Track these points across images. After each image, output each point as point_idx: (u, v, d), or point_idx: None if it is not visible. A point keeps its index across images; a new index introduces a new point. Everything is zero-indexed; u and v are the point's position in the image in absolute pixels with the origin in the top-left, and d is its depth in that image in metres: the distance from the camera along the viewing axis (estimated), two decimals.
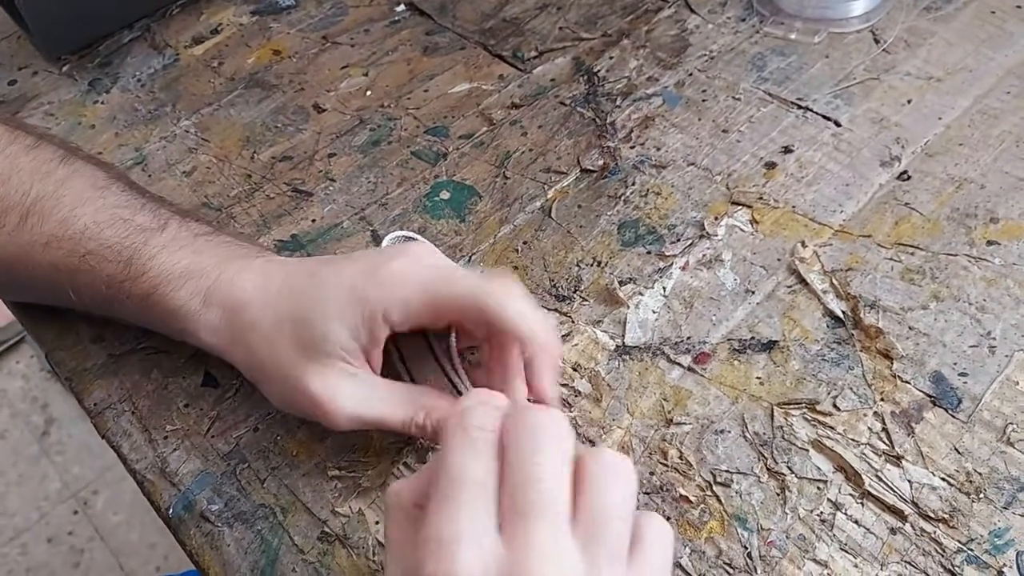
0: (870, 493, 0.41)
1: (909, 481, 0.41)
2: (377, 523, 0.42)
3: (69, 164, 0.47)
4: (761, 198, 0.54)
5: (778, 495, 0.41)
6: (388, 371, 0.44)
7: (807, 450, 0.43)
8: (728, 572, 0.39)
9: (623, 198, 0.55)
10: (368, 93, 0.63)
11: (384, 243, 0.51)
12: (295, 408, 0.43)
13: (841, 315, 0.48)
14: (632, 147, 0.58)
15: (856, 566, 0.39)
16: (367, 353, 0.42)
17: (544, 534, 0.29)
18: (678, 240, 0.52)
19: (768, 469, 0.42)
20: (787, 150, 0.56)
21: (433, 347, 0.45)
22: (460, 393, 0.43)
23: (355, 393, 0.41)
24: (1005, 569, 0.38)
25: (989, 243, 0.50)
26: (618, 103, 0.61)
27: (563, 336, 0.49)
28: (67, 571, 1.51)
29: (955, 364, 0.45)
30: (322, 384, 0.41)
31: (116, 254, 0.44)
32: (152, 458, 0.46)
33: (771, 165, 0.56)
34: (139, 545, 1.53)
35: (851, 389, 0.45)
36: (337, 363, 0.41)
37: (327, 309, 0.41)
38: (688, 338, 0.48)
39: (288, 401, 0.43)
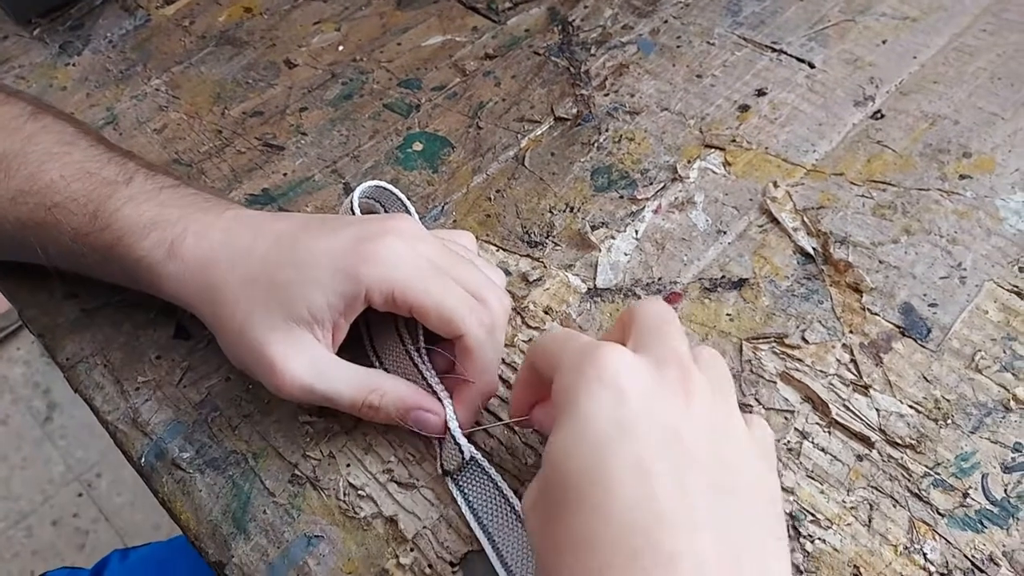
0: (837, 422, 0.41)
1: (876, 409, 0.41)
2: (348, 466, 0.42)
3: (37, 120, 0.47)
4: (734, 140, 0.53)
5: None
6: (354, 349, 0.43)
7: (775, 382, 0.43)
8: None
9: (596, 145, 0.55)
10: (340, 48, 0.63)
11: (356, 194, 0.51)
12: (248, 368, 0.42)
13: (811, 251, 0.47)
14: (606, 95, 0.58)
15: (822, 492, 0.39)
16: (335, 326, 0.41)
17: (681, 339, 0.34)
18: (651, 184, 0.52)
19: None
20: (761, 93, 0.56)
21: (399, 326, 0.45)
22: (424, 378, 0.43)
23: (311, 364, 0.40)
24: (970, 491, 0.38)
25: (961, 177, 0.50)
26: (592, 52, 0.60)
27: (535, 281, 0.49)
28: (72, 552, 1.52)
29: (925, 295, 0.45)
30: (279, 348, 0.40)
31: (82, 207, 0.44)
32: (124, 409, 0.46)
33: (744, 108, 0.55)
34: (143, 525, 1.54)
35: (820, 322, 0.44)
36: (301, 330, 0.40)
37: (308, 275, 0.40)
38: (659, 279, 0.48)
39: (242, 360, 0.42)
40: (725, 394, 0.34)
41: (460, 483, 0.41)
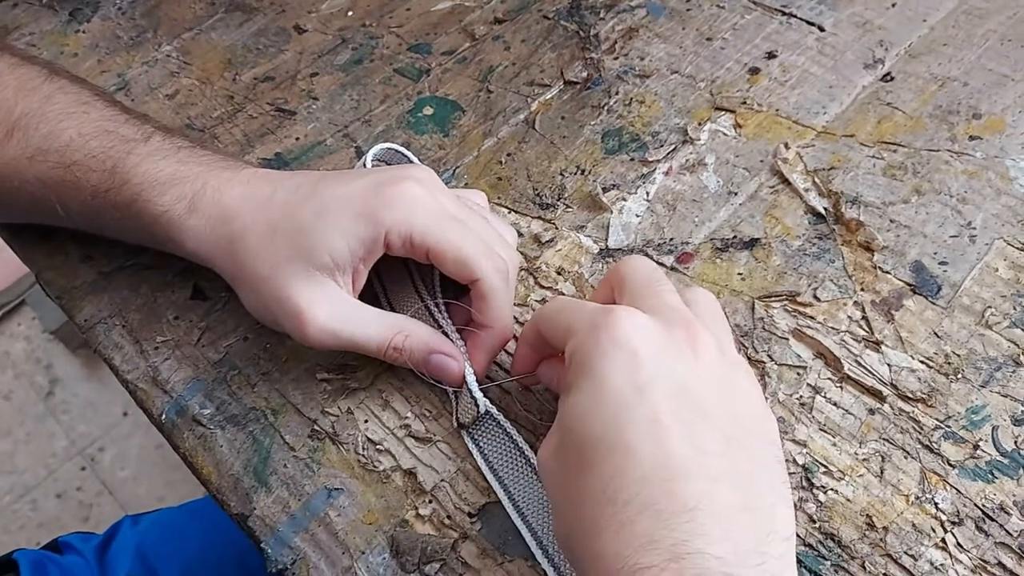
0: (849, 377, 0.41)
1: (888, 365, 0.42)
2: (366, 422, 0.43)
3: (54, 82, 0.48)
4: (744, 103, 0.54)
5: (758, 381, 0.42)
6: (366, 299, 0.43)
7: (787, 339, 0.43)
8: None
9: (606, 108, 0.55)
10: (350, 13, 0.63)
11: (368, 156, 0.51)
12: (270, 316, 0.43)
13: (823, 211, 0.48)
14: (616, 58, 0.58)
15: (834, 444, 0.40)
16: (355, 273, 0.42)
17: (677, 300, 0.36)
18: (661, 146, 0.52)
19: (748, 358, 0.43)
20: (771, 55, 0.56)
21: (414, 279, 0.45)
22: (439, 325, 0.43)
23: (334, 307, 0.41)
24: (981, 442, 0.39)
25: (971, 138, 0.50)
26: (602, 15, 0.60)
27: (547, 242, 0.49)
28: (77, 525, 1.53)
29: (935, 254, 0.45)
30: (304, 294, 0.41)
31: (100, 163, 0.44)
32: (144, 368, 0.47)
33: (755, 71, 0.56)
34: (147, 499, 1.55)
35: (832, 281, 0.45)
36: (323, 276, 0.41)
37: (329, 221, 0.40)
38: (671, 239, 0.48)
39: (264, 308, 0.43)
40: (725, 340, 0.35)
41: (475, 436, 0.42)
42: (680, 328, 0.33)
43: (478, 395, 0.41)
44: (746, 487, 0.31)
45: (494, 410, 0.42)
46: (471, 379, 0.41)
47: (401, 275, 0.45)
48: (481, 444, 0.42)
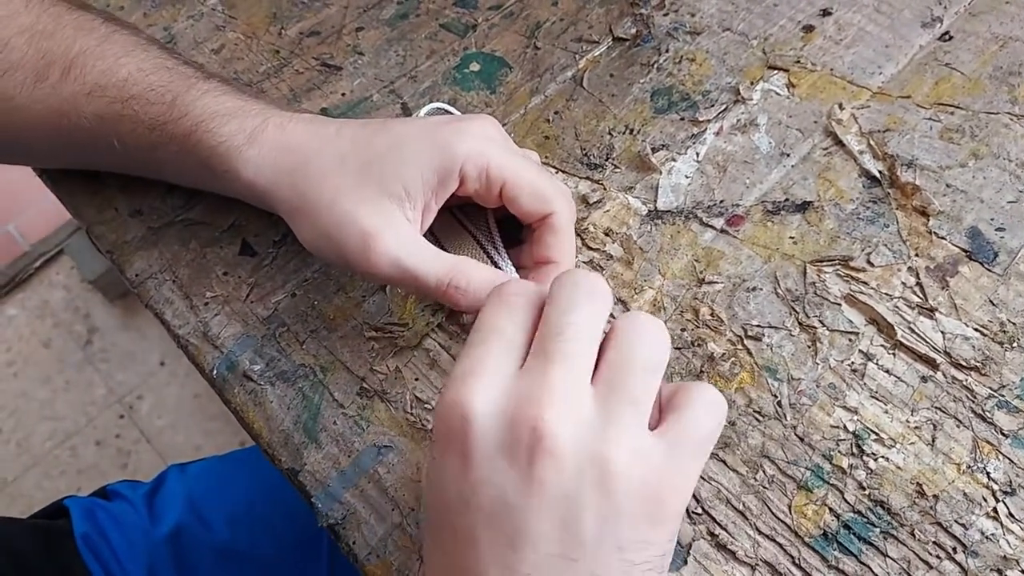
0: (902, 344, 0.41)
1: (942, 332, 0.41)
2: (416, 380, 0.43)
3: (111, 24, 0.48)
4: (798, 62, 0.53)
5: (809, 347, 0.42)
6: None
7: (839, 304, 0.43)
8: (758, 419, 0.40)
9: (656, 66, 0.54)
10: None
11: (422, 112, 0.51)
12: (330, 245, 0.41)
13: (877, 175, 0.47)
14: (666, 14, 0.57)
15: (886, 412, 0.39)
16: (425, 207, 0.41)
17: (559, 375, 0.30)
18: (712, 105, 0.52)
19: (800, 323, 0.42)
20: (826, 13, 0.55)
21: (467, 226, 0.45)
22: (498, 267, 0.43)
23: (402, 238, 0.40)
24: None
25: None
26: None
27: (595, 203, 0.49)
28: (116, 471, 1.57)
29: (992, 219, 0.44)
30: (372, 220, 0.39)
31: (159, 96, 0.44)
32: (194, 323, 0.47)
33: (809, 28, 0.54)
34: (184, 447, 1.58)
35: (885, 246, 0.44)
36: (392, 206, 0.40)
37: (403, 151, 0.40)
38: (721, 201, 0.48)
39: (325, 238, 0.41)
40: (634, 412, 0.31)
41: None
42: (523, 429, 0.30)
43: None
44: None
45: None
46: None
47: (454, 227, 0.45)
48: None
